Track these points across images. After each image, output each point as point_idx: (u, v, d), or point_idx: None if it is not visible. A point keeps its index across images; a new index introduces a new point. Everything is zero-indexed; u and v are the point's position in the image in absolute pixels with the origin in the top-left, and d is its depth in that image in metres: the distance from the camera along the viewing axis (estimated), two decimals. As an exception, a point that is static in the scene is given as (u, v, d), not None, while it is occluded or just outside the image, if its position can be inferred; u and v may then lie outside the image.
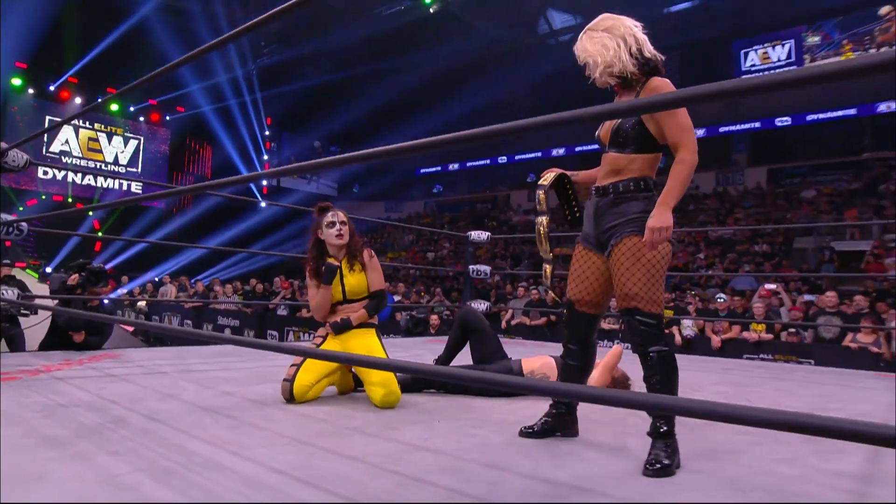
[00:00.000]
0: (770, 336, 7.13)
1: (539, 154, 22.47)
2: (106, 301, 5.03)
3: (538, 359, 3.16)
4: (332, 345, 2.83)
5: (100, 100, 13.52)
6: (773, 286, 8.29)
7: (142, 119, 22.37)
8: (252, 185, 22.47)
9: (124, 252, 18.88)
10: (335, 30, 16.66)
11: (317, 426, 2.19)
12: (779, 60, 18.54)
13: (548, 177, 2.27)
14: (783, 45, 18.55)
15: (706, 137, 19.29)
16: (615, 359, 3.25)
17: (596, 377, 3.10)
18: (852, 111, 17.78)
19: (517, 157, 23.53)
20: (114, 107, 21.08)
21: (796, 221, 14.68)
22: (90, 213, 19.93)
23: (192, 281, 13.05)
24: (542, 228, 2.21)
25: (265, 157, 23.92)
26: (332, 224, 2.84)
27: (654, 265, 1.95)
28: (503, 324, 9.19)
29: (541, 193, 2.22)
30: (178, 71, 20.15)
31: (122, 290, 13.99)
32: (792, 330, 7.20)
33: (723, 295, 8.29)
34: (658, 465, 1.74)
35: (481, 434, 2.16)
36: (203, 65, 19.11)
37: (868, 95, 17.13)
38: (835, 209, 15.27)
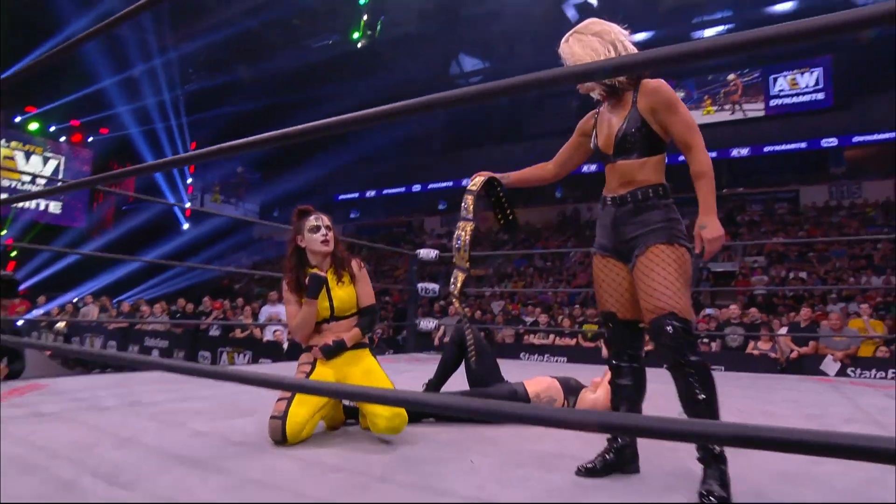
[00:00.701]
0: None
1: (451, 183, 22.26)
2: (20, 322, 4.05)
3: (541, 381, 2.67)
4: (324, 373, 2.19)
5: (18, 119, 11.86)
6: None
7: (63, 139, 20.14)
8: (176, 209, 20.72)
9: (41, 271, 16.69)
10: (263, 59, 15.73)
11: (336, 479, 1.57)
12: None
13: (477, 181, 1.92)
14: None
15: (597, 172, 19.94)
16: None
17: (601, 397, 2.65)
18: (714, 154, 18.80)
19: (430, 186, 23.26)
20: (33, 125, 18.82)
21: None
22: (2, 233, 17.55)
23: (115, 301, 11.56)
24: (465, 235, 1.82)
25: (189, 181, 22.18)
26: (317, 228, 2.23)
27: (683, 274, 1.66)
28: (436, 341, 8.66)
29: (469, 198, 1.86)
30: (103, 93, 18.48)
31: (38, 311, 12.19)
32: (704, 340, 7.15)
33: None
34: (713, 498, 1.45)
35: (534, 475, 1.63)
36: (130, 87, 17.45)
37: (724, 143, 18.25)
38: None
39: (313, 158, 20.45)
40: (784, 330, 7.09)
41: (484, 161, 20.35)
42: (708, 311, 8.27)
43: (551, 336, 8.24)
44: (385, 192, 23.96)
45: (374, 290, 2.36)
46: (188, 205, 21.68)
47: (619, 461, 1.70)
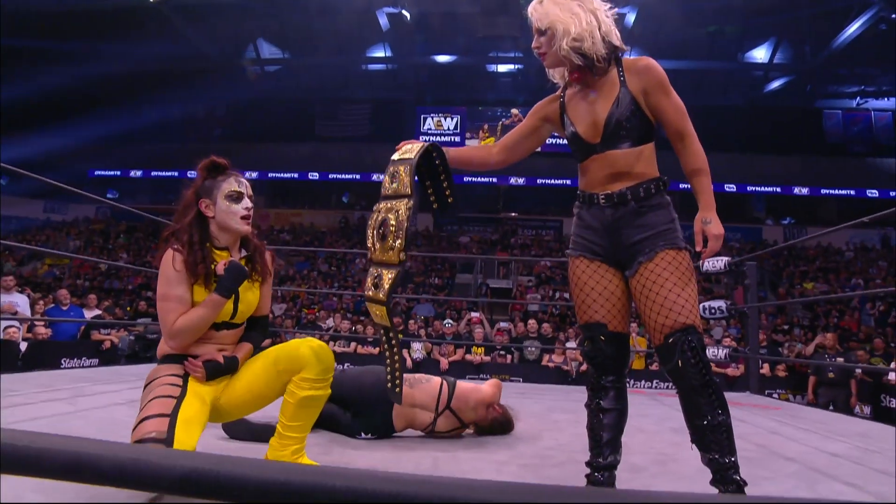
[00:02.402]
0: (488, 358, 7.24)
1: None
2: None
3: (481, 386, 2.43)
4: (199, 391, 1.55)
5: None
6: (477, 314, 8.57)
7: None
8: None
9: None
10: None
11: None
12: (448, 129, 20.51)
13: (409, 148, 1.56)
14: (452, 118, 20.61)
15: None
16: (497, 390, 2.61)
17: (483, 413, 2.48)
18: (494, 179, 20.44)
19: (209, 174, 21.05)
20: None
21: (457, 262, 16.13)
22: None
23: None
24: (401, 215, 1.42)
25: None
26: (238, 197, 1.66)
27: (692, 281, 1.52)
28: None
29: (403, 169, 1.48)
30: None
31: None
32: (502, 353, 7.44)
33: (450, 320, 8.24)
34: None
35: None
36: None
37: (503, 170, 19.85)
38: (483, 253, 17.22)
39: (64, 121, 16.99)
40: (572, 344, 7.77)
41: (269, 157, 19.28)
42: (502, 324, 8.70)
43: (353, 344, 7.87)
44: (154, 174, 21.00)
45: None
46: None
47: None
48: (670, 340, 1.44)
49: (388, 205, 1.46)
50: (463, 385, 2.55)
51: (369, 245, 1.48)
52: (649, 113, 1.55)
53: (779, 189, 19.05)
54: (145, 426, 1.36)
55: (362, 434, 2.38)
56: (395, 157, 1.54)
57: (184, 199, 1.69)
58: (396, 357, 1.51)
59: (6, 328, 5.91)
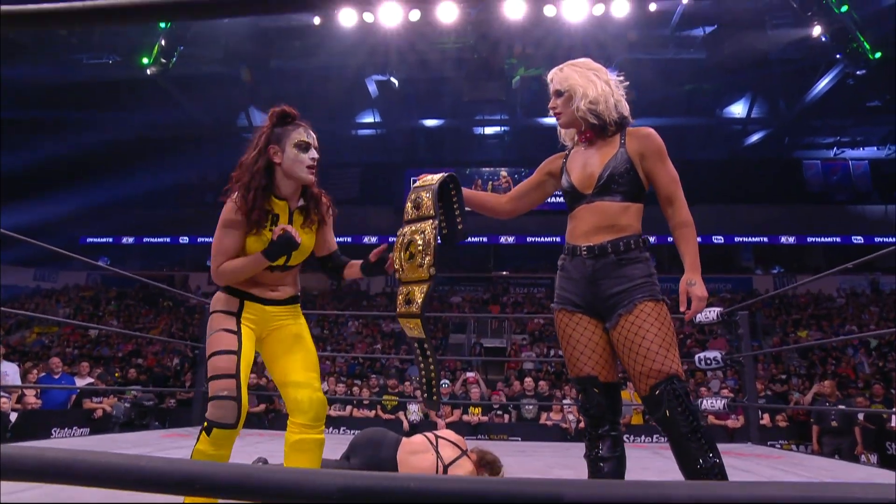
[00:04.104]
0: (486, 418, 7.13)
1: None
2: None
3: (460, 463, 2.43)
4: (247, 333, 1.71)
5: None
6: (472, 374, 8.49)
7: None
8: None
9: None
10: (10, 61, 12.78)
11: None
12: (438, 190, 20.83)
13: (430, 178, 1.69)
14: (442, 179, 20.98)
15: (378, 244, 20.28)
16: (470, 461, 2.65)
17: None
18: (484, 238, 20.66)
19: (199, 240, 21.14)
20: None
21: (449, 322, 16.07)
22: None
23: None
24: (427, 235, 1.53)
25: None
26: (307, 146, 1.72)
27: (672, 331, 1.57)
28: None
29: (426, 195, 1.62)
30: None
31: None
32: (499, 412, 7.33)
33: (446, 381, 8.15)
34: None
35: None
36: None
37: (494, 229, 20.17)
38: (475, 312, 17.15)
39: (59, 189, 17.15)
40: (569, 401, 7.67)
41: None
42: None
43: (348, 407, 7.73)
44: (146, 240, 21.09)
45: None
46: None
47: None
48: (657, 392, 1.48)
49: (413, 227, 1.56)
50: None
51: (397, 267, 1.56)
52: (643, 176, 1.66)
53: (766, 239, 19.35)
54: (218, 385, 1.57)
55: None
56: (418, 184, 1.66)
57: (253, 144, 1.73)
58: (432, 366, 1.60)
59: (-5, 399, 5.80)
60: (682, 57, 16.00)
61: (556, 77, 1.74)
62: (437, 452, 2.49)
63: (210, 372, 1.61)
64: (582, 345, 1.63)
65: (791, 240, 19.13)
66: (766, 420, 6.87)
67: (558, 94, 1.73)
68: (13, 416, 5.75)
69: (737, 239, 19.36)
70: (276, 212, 1.72)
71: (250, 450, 3.61)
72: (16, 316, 16.00)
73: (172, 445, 3.46)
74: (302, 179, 1.74)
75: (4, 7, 0.72)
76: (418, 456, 2.48)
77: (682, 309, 1.60)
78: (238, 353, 1.63)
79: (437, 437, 2.62)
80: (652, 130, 1.69)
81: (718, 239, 18.76)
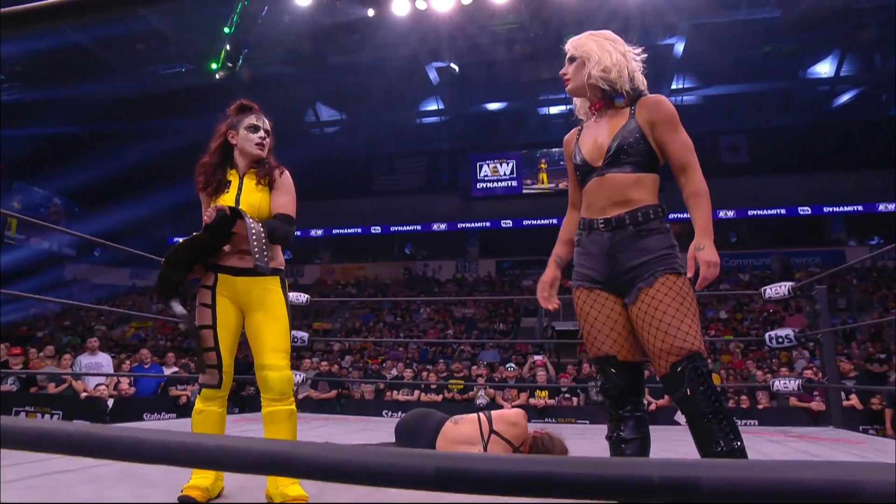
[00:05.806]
0: (553, 402, 7.07)
1: (322, 232, 21.35)
2: None
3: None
4: (225, 306, 1.97)
5: None
6: (540, 357, 8.42)
7: None
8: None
9: None
10: (96, 80, 13.84)
11: None
12: (504, 174, 20.73)
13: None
14: (507, 163, 20.84)
15: (447, 231, 20.55)
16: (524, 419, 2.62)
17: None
18: (554, 220, 20.34)
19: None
20: None
21: (521, 306, 15.94)
22: None
23: None
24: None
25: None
26: (255, 128, 2.07)
27: (694, 306, 1.49)
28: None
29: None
30: None
31: None
32: (567, 395, 7.25)
33: (512, 364, 8.15)
34: None
35: None
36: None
37: (562, 213, 19.72)
38: (547, 295, 16.94)
39: (144, 193, 18.38)
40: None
41: (332, 214, 19.93)
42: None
43: (416, 392, 7.89)
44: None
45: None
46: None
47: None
48: (678, 369, 1.42)
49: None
50: (496, 411, 2.61)
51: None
52: (655, 146, 1.59)
53: (860, 207, 17.91)
54: (204, 357, 1.91)
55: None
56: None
57: (216, 131, 2.10)
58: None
59: (96, 386, 6.44)
60: (755, 17, 14.95)
61: (573, 43, 1.71)
62: (486, 449, 2.47)
63: (199, 343, 1.94)
64: (600, 322, 1.57)
65: (891, 207, 17.58)
66: (854, 402, 6.40)
67: (571, 59, 1.71)
68: (110, 402, 6.33)
69: (826, 209, 18.03)
70: (229, 179, 2.05)
71: (311, 433, 3.78)
72: (116, 312, 17.41)
73: (237, 429, 3.65)
74: (252, 154, 2.06)
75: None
76: (461, 448, 2.45)
77: (689, 275, 1.50)
78: (213, 326, 1.92)
79: (490, 425, 2.50)
80: (662, 97, 1.61)
81: (805, 210, 17.56)
